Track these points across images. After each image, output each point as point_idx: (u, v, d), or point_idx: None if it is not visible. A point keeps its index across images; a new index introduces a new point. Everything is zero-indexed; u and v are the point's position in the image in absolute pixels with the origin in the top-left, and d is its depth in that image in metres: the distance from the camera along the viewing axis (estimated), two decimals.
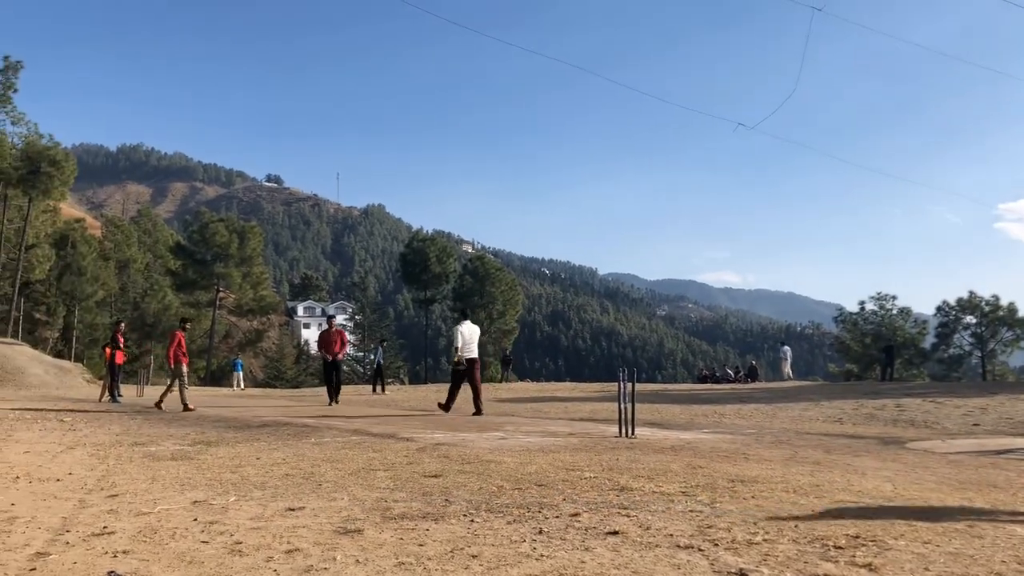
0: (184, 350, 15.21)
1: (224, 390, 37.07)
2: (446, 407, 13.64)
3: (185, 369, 15.00)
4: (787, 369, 33.13)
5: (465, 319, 14.07)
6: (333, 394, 16.28)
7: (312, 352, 70.05)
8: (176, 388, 14.94)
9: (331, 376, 16.54)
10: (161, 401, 14.93)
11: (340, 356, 16.72)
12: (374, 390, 24.64)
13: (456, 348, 13.53)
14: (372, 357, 27.66)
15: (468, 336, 13.61)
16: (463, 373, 13.57)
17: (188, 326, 16.70)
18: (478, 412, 13.19)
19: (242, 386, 38.72)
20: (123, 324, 22.33)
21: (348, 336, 15.84)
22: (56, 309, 55.59)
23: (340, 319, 76.32)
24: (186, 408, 14.20)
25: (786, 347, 34.85)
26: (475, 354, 13.73)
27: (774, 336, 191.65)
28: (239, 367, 41.01)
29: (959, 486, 5.21)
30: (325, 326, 17.40)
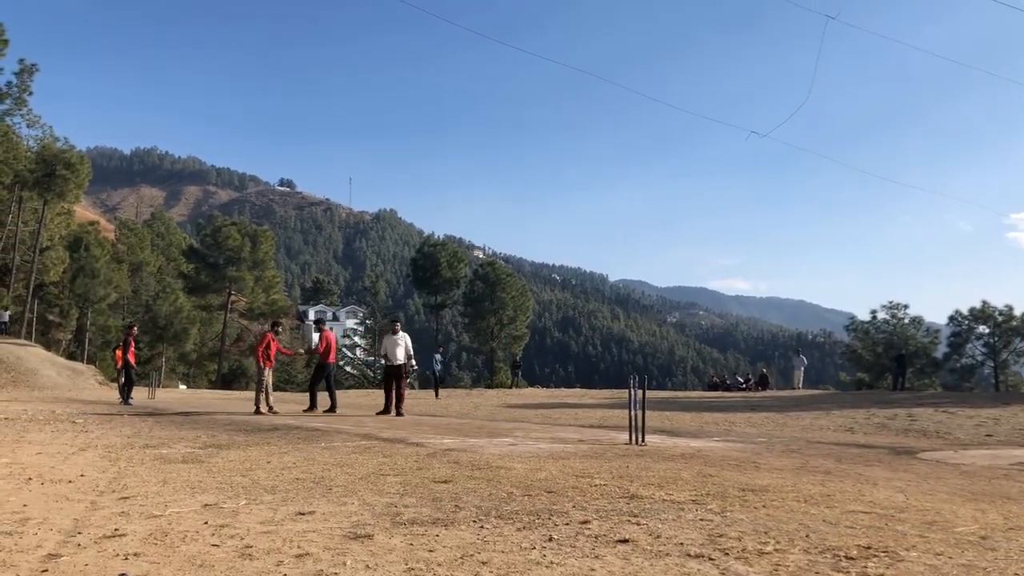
0: (271, 354, 15.29)
1: (237, 393, 37.17)
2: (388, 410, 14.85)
3: (268, 373, 15.16)
4: (797, 377, 32.97)
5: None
6: (329, 402, 15.68)
7: None
8: (263, 390, 15.12)
9: (315, 382, 16.37)
10: (267, 404, 15.08)
11: (330, 360, 16.08)
12: (436, 395, 25.58)
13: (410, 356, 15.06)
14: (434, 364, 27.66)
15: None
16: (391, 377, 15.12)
17: (280, 329, 16.29)
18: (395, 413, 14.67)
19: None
20: (135, 328, 22.52)
21: (335, 338, 16.79)
22: (69, 311, 55.91)
23: (351, 323, 76.56)
24: (257, 411, 14.49)
25: (802, 356, 34.58)
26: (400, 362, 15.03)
27: (785, 344, 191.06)
28: None
29: (972, 497, 5.17)
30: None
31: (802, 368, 33.30)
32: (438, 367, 26.85)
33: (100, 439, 8.76)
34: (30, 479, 5.41)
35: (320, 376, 16.07)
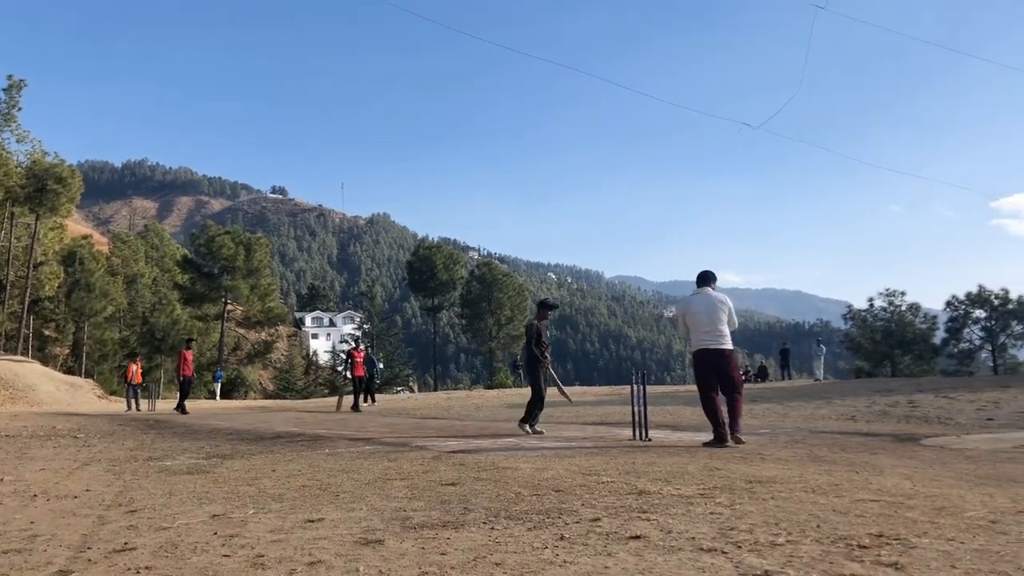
0: (358, 362, 20.71)
1: (236, 402, 37.14)
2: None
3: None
4: (818, 366, 32.62)
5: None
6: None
7: (321, 362, 70.13)
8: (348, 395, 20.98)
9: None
10: (355, 406, 19.84)
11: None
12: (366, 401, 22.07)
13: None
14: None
15: None
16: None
17: (361, 346, 22.13)
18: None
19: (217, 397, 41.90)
20: (192, 342, 23.84)
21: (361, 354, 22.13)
22: (65, 326, 55.80)
23: (348, 328, 76.52)
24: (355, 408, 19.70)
25: (822, 346, 33.94)
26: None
27: (782, 335, 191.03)
28: (219, 377, 45.56)
29: (978, 482, 5.17)
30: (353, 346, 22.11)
31: (821, 357, 33.00)
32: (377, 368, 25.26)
33: (103, 453, 8.74)
34: (35, 496, 5.40)
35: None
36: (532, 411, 10.10)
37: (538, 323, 10.40)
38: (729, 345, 8.25)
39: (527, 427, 10.10)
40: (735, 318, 8.32)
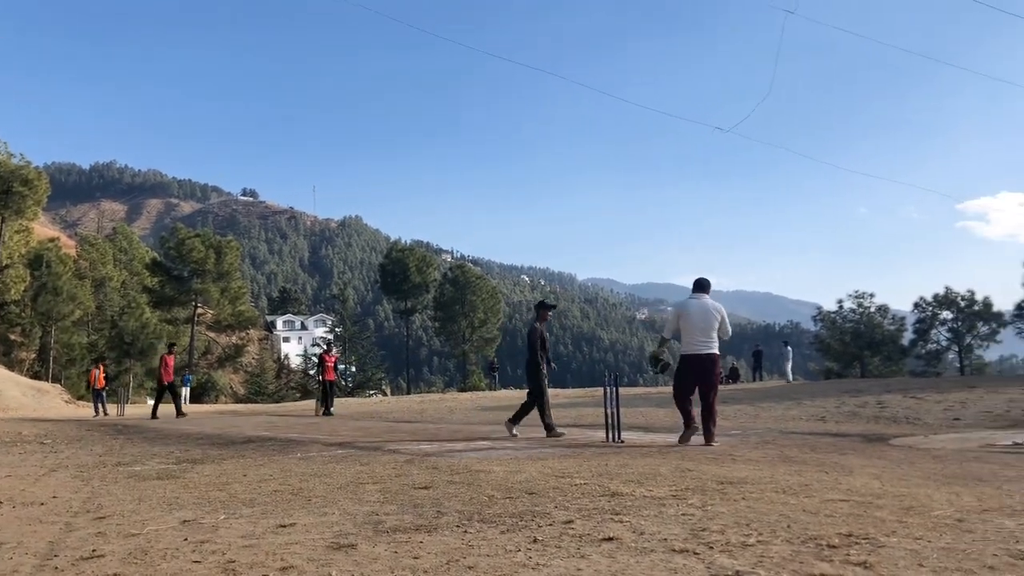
0: (328, 366, 20.56)
1: (206, 406, 36.78)
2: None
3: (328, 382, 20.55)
4: (787, 368, 32.46)
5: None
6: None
7: (292, 366, 69.67)
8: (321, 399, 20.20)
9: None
10: (327, 410, 19.47)
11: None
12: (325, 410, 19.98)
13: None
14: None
15: None
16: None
17: (334, 350, 22.67)
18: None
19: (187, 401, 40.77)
20: (175, 346, 23.76)
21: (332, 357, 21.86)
22: (32, 330, 54.94)
23: (320, 332, 76.05)
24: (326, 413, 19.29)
25: (789, 347, 33.75)
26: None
27: (753, 337, 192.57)
28: (188, 381, 43.39)
29: (945, 481, 5.25)
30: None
31: (790, 359, 32.84)
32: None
33: (70, 459, 8.62)
34: (0, 503, 5.31)
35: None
36: (545, 413, 9.82)
37: (540, 326, 10.11)
38: (716, 350, 8.54)
39: (554, 431, 9.64)
40: (728, 327, 8.62)
